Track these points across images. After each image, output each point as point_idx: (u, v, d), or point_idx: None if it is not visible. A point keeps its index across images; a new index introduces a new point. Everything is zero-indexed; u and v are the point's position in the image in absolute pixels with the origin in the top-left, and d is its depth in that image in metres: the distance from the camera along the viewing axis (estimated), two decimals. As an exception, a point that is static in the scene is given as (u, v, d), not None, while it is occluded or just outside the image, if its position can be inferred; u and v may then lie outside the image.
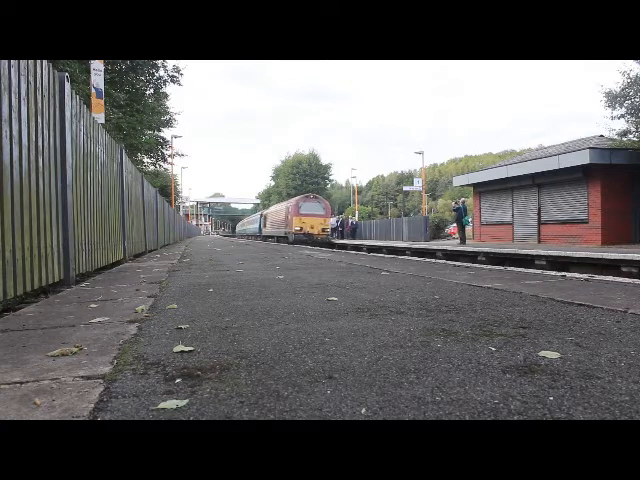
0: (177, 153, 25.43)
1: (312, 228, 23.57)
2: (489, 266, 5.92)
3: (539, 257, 10.36)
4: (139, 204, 9.43)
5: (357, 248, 20.14)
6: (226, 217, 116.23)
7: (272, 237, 30.80)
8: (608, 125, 27.33)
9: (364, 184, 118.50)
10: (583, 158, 14.03)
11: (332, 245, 23.34)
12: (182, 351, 1.68)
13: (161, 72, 16.81)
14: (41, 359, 1.62)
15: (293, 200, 26.24)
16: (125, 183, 7.43)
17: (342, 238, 30.01)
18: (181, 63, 16.97)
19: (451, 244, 16.81)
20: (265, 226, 34.49)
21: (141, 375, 1.42)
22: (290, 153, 60.86)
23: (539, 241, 16.63)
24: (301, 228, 23.55)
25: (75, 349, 1.72)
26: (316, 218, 23.95)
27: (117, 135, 13.89)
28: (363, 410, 1.12)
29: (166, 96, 18.93)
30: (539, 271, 5.19)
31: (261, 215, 38.83)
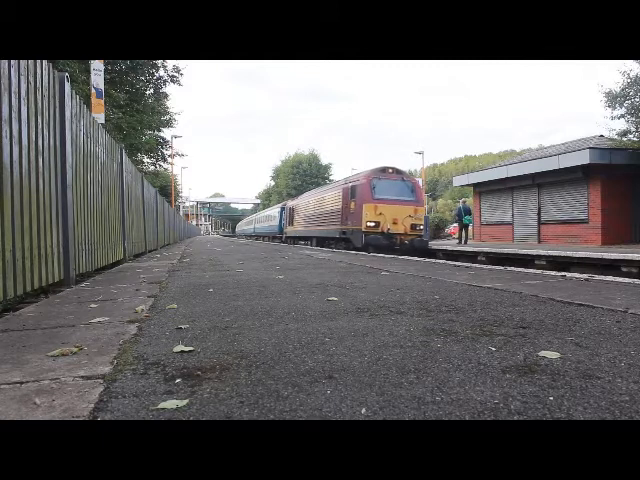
0: (177, 153, 25.44)
1: (395, 224, 13.34)
2: (489, 266, 5.92)
3: (539, 257, 10.37)
4: (139, 204, 9.42)
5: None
6: (226, 217, 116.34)
7: (307, 239, 20.04)
8: (608, 125, 27.44)
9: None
10: (583, 158, 14.04)
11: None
12: (182, 351, 1.68)
13: (161, 72, 16.86)
14: (41, 359, 1.62)
15: (361, 176, 14.71)
16: (125, 183, 7.43)
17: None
18: (181, 63, 17.00)
19: (451, 244, 16.80)
20: (292, 223, 22.76)
21: (141, 375, 1.42)
22: (290, 153, 60.90)
23: (539, 241, 16.63)
24: (377, 224, 13.22)
25: (75, 349, 1.72)
26: (402, 207, 13.58)
27: (117, 135, 13.89)
28: (363, 410, 1.12)
29: (166, 96, 18.94)
30: (539, 271, 5.18)
31: (283, 208, 26.41)
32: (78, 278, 4.36)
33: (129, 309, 2.65)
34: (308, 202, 20.26)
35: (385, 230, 13.35)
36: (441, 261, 7.13)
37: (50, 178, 3.65)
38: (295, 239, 22.69)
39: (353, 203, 14.29)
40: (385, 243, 13.03)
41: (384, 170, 14.40)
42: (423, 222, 14.14)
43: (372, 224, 13.36)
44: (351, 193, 14.60)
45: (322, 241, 17.52)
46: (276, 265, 6.07)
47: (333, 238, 16.00)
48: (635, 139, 15.06)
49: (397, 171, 14.64)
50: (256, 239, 34.94)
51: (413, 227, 13.70)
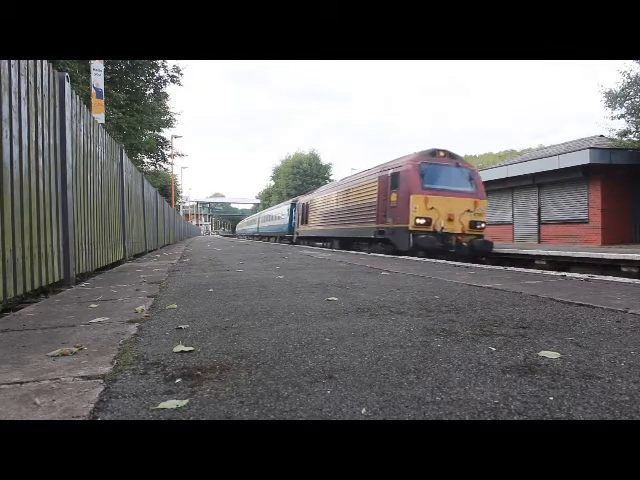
0: (177, 153, 25.47)
1: (451, 221, 10.59)
2: (489, 266, 5.92)
3: (539, 257, 10.36)
4: (139, 204, 9.43)
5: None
6: (226, 217, 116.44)
7: (326, 240, 17.00)
8: (608, 125, 27.42)
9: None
10: (583, 158, 14.05)
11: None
12: (182, 351, 1.68)
13: (161, 72, 16.87)
14: (41, 359, 1.62)
15: (404, 161, 11.42)
16: (125, 183, 7.43)
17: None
18: (181, 63, 17.01)
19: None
20: (306, 222, 19.54)
21: (141, 375, 1.42)
22: (290, 153, 60.91)
23: (539, 241, 16.63)
24: (428, 221, 10.45)
25: (75, 349, 1.72)
26: (459, 199, 10.74)
27: (117, 135, 13.90)
28: (363, 410, 1.12)
29: (166, 96, 18.96)
30: (539, 271, 5.18)
31: (294, 205, 23.29)
32: (78, 278, 4.36)
33: (129, 309, 2.65)
34: (328, 197, 16.85)
35: (439, 229, 10.41)
36: (441, 261, 7.13)
37: (50, 178, 3.65)
38: (310, 240, 19.24)
39: (395, 195, 11.19)
40: (440, 245, 10.16)
41: (434, 153, 11.24)
42: (485, 219, 11.19)
43: (422, 221, 10.38)
44: (392, 182, 11.42)
45: (348, 242, 14.33)
46: (276, 265, 6.07)
47: (365, 239, 12.89)
48: (635, 139, 15.08)
49: (450, 155, 11.40)
50: (260, 239, 32.70)
51: (473, 225, 10.74)
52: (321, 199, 17.88)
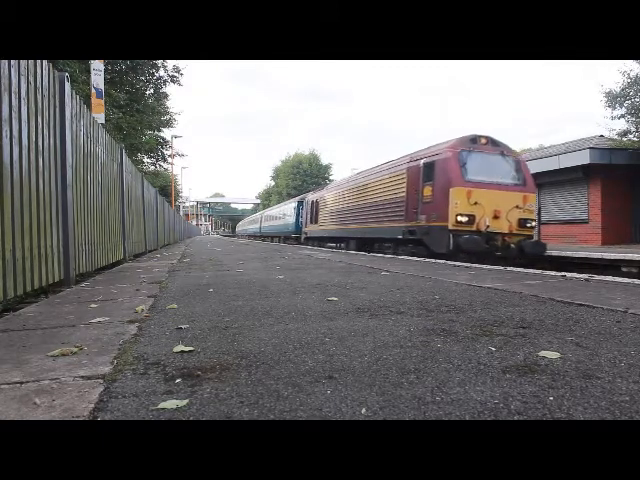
0: (177, 153, 25.46)
1: (497, 219, 9.05)
2: (489, 266, 5.92)
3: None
4: (139, 204, 9.42)
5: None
6: (226, 217, 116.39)
7: (340, 240, 15.40)
8: (608, 125, 27.31)
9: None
10: (583, 158, 14.04)
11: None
12: (182, 351, 1.68)
13: (161, 72, 16.86)
14: (41, 359, 1.62)
15: (441, 148, 9.76)
16: (125, 183, 7.43)
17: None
18: (181, 63, 17.01)
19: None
20: (316, 221, 17.91)
21: (141, 375, 1.42)
22: (290, 153, 60.89)
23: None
24: (471, 218, 8.87)
25: (75, 349, 1.72)
26: (505, 193, 9.25)
27: (117, 135, 13.90)
28: (363, 410, 1.12)
29: (166, 96, 18.96)
30: (539, 271, 5.18)
31: (301, 203, 21.73)
32: (78, 278, 4.36)
33: (129, 309, 2.65)
34: (343, 192, 15.04)
35: (483, 228, 8.84)
36: (441, 261, 7.13)
37: (50, 178, 3.65)
38: (321, 240, 17.63)
39: (429, 188, 9.63)
40: (485, 247, 8.69)
41: (475, 140, 9.60)
42: (535, 217, 9.68)
43: (464, 219, 8.78)
44: (425, 173, 9.86)
45: (368, 243, 12.73)
46: (276, 265, 6.07)
47: (390, 239, 11.28)
48: (635, 139, 15.07)
49: (493, 142, 9.76)
50: (262, 239, 31.45)
51: (522, 223, 9.17)
52: (334, 195, 15.99)
